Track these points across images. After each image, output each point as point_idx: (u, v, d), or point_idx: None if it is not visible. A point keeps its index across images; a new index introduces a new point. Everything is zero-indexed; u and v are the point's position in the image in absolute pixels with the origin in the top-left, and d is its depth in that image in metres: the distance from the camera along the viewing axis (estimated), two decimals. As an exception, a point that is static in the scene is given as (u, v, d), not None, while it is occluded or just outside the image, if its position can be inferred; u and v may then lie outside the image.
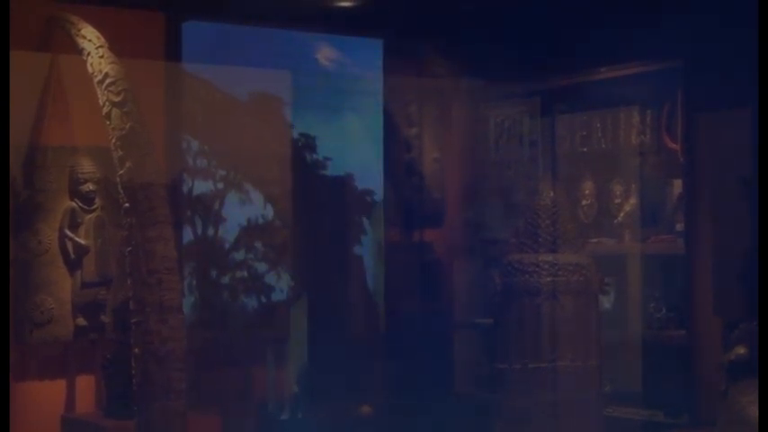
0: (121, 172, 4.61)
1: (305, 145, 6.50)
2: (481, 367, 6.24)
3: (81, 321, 5.31)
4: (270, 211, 6.01)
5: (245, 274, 5.58)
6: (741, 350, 4.81)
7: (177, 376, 4.49)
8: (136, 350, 4.51)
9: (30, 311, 5.20)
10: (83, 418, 5.32)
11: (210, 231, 5.86)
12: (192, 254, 5.82)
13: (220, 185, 5.92)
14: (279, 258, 5.88)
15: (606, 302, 5.81)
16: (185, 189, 5.95)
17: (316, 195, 5.70)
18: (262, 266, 5.62)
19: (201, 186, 5.97)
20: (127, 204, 4.59)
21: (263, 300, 5.45)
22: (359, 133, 5.92)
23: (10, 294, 4.96)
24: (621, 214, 5.99)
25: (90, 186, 5.32)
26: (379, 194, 5.80)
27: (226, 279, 5.58)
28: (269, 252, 5.80)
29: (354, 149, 5.81)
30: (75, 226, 5.31)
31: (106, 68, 4.72)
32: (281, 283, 5.52)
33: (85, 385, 5.40)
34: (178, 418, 4.50)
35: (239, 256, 5.74)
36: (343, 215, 5.56)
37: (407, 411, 6.38)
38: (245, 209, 5.96)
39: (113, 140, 4.63)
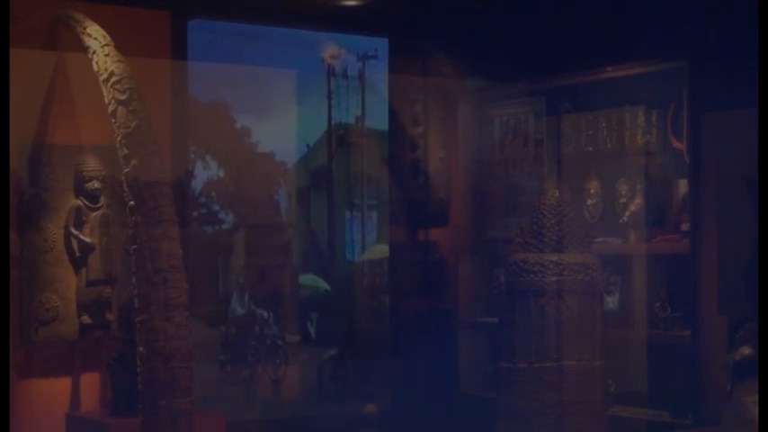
0: (127, 170, 4.61)
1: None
2: (486, 366, 6.24)
3: (86, 319, 5.31)
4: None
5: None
6: (746, 350, 4.80)
7: (183, 374, 4.49)
8: (141, 348, 4.52)
9: (35, 309, 5.20)
10: (88, 417, 5.32)
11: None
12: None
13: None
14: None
15: (611, 302, 5.81)
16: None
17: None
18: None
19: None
20: (132, 202, 4.59)
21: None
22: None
23: (15, 292, 4.97)
24: (627, 214, 5.98)
25: (95, 184, 5.32)
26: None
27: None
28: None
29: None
30: (80, 224, 5.31)
31: (112, 67, 4.72)
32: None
33: (91, 383, 5.40)
34: (184, 416, 4.50)
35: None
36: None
37: (411, 410, 6.38)
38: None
39: (119, 138, 4.64)
